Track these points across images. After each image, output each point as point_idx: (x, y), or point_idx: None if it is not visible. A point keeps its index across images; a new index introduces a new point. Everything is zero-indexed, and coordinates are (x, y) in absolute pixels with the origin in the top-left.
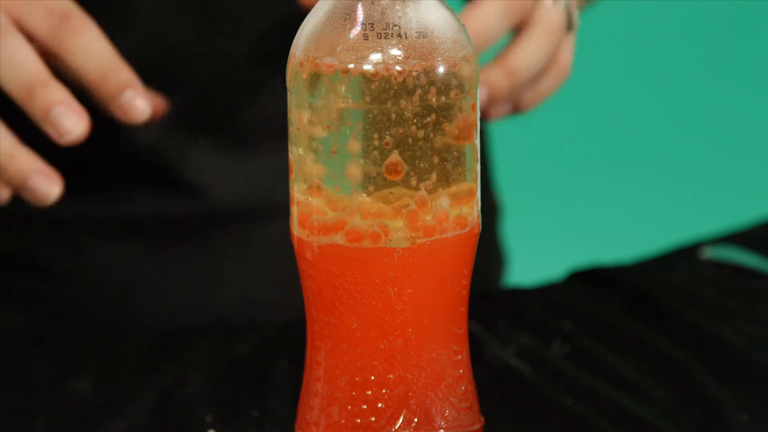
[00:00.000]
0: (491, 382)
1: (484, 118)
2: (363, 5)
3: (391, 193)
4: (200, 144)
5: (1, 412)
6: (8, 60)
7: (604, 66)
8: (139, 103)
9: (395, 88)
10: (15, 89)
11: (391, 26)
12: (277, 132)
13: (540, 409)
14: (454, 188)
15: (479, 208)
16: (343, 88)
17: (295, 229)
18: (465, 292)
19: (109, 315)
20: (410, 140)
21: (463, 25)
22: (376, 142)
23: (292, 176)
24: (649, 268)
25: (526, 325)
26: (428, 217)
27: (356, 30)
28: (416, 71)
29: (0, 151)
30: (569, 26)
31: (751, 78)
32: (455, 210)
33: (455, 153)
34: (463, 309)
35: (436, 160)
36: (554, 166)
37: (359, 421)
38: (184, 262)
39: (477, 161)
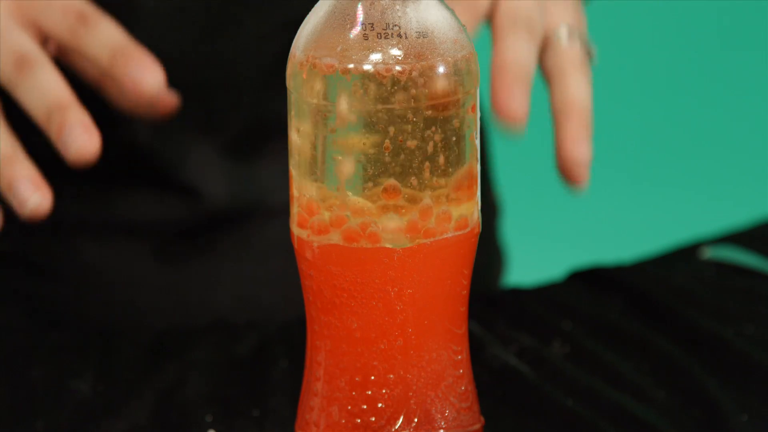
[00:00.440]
0: (491, 382)
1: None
2: (363, 5)
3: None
4: (199, 146)
5: (1, 412)
6: (37, 89)
7: (604, 66)
8: (150, 79)
9: (395, 88)
10: (39, 115)
11: (391, 26)
12: (276, 133)
13: (540, 409)
14: (454, 188)
15: (479, 208)
16: (343, 88)
17: (295, 229)
18: (465, 292)
19: (108, 316)
20: (410, 140)
21: (464, 25)
22: (376, 142)
23: (292, 176)
24: (649, 268)
25: (526, 325)
26: (429, 219)
27: (356, 30)
28: (416, 71)
29: None
30: (587, 57)
31: (751, 78)
32: (455, 210)
33: (455, 153)
34: (463, 309)
35: (435, 160)
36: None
37: (359, 421)
38: (184, 264)
39: (477, 161)
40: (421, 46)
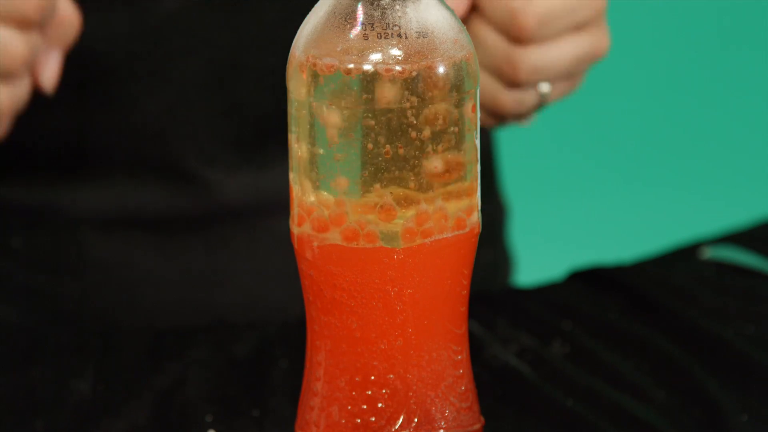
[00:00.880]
0: (491, 382)
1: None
2: (363, 5)
3: (391, 193)
4: (210, 139)
5: (1, 412)
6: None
7: (605, 67)
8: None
9: (395, 88)
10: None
11: (391, 26)
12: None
13: (540, 409)
14: (454, 188)
15: (479, 208)
16: (342, 88)
17: (295, 229)
18: (465, 292)
19: (111, 310)
20: (409, 140)
21: (464, 25)
22: (376, 142)
23: (292, 175)
24: (649, 268)
25: (526, 325)
26: (428, 220)
27: (356, 30)
28: (416, 71)
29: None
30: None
31: (751, 78)
32: (455, 211)
33: (455, 153)
34: (463, 309)
35: (435, 160)
36: (554, 167)
37: (359, 421)
38: (189, 258)
39: (477, 161)
40: (421, 46)
